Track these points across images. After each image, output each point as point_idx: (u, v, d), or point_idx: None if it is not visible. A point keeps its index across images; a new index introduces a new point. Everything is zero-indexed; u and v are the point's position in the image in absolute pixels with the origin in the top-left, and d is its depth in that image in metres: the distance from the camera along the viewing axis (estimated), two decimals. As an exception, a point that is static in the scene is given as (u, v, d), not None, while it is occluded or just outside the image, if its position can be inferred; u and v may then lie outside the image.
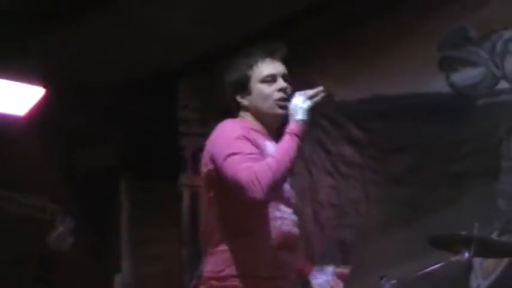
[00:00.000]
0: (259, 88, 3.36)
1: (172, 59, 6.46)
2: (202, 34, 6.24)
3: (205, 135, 5.44)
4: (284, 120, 3.39)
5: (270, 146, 3.35)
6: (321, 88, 3.36)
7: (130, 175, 6.76)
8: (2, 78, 6.00)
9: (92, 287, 6.64)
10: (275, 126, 3.47)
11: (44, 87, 6.13)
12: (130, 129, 6.62)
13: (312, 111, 3.31)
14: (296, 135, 3.26)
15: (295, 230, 3.46)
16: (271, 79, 3.38)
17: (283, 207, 3.40)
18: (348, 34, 5.80)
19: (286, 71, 3.47)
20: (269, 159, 3.26)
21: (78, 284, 6.46)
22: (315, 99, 3.31)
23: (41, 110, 6.00)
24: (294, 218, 3.49)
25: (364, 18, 5.83)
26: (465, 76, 5.68)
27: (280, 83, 3.37)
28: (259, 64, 3.40)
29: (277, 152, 3.29)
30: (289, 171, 3.32)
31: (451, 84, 5.70)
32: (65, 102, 5.96)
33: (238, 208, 3.29)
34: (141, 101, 6.46)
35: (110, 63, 6.18)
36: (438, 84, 5.79)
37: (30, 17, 5.51)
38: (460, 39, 5.69)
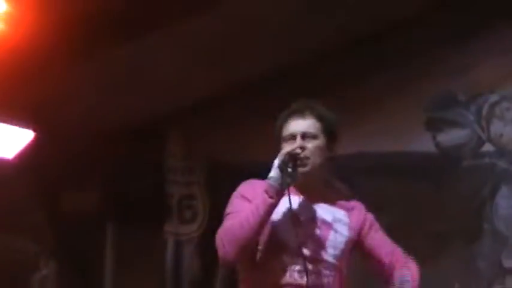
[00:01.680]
0: (282, 147, 3.20)
1: (161, 107, 6.24)
2: (188, 83, 6.13)
3: (191, 183, 5.14)
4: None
5: (283, 203, 3.12)
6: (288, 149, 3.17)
7: (115, 221, 6.30)
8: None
9: None
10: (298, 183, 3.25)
11: (34, 130, 5.58)
12: (117, 176, 6.14)
13: (281, 168, 3.07)
14: (265, 192, 3.08)
15: (299, 281, 3.18)
16: (290, 137, 3.19)
17: (286, 258, 3.16)
18: (338, 93, 5.43)
19: (310, 129, 3.26)
20: (236, 219, 3.15)
21: None
22: (281, 157, 3.09)
23: (29, 154, 5.48)
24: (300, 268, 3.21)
25: (354, 78, 5.51)
26: (451, 137, 5.44)
27: (297, 141, 3.17)
28: (285, 124, 3.21)
29: (246, 210, 3.16)
30: (256, 229, 3.13)
31: (437, 144, 5.47)
32: (52, 147, 5.46)
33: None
34: (129, 148, 6.00)
35: (98, 110, 5.93)
36: (424, 144, 5.53)
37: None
38: (447, 101, 5.45)
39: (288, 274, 3.18)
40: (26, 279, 6.01)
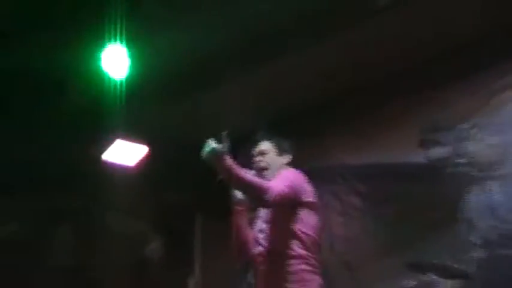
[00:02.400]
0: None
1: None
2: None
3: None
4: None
5: None
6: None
7: (202, 211, 7.85)
8: (121, 139, 6.75)
9: (173, 286, 7.61)
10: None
11: (148, 145, 6.87)
12: (205, 181, 7.83)
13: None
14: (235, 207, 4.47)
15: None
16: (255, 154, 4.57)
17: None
18: (355, 121, 7.01)
19: (262, 148, 4.55)
20: None
21: (165, 284, 7.50)
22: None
23: (144, 162, 6.84)
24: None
25: (365, 109, 6.97)
26: (437, 153, 6.77)
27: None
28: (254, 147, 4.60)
29: None
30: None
31: (427, 158, 6.81)
32: (160, 157, 6.86)
33: None
34: None
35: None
36: (418, 157, 6.86)
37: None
38: (434, 127, 6.80)
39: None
40: (140, 250, 7.55)
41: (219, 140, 4.12)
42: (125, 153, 6.93)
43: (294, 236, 4.36)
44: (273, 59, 6.56)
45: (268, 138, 4.63)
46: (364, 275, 7.03)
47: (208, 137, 4.19)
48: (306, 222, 4.44)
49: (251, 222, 4.58)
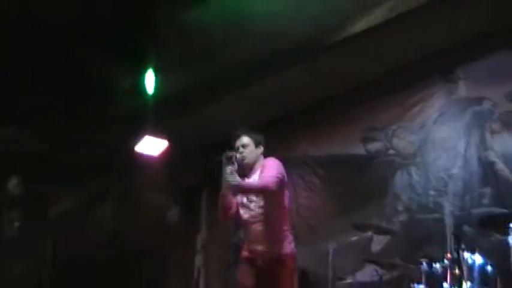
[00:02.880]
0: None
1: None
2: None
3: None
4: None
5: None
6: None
7: (207, 189, 8.98)
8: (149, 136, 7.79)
9: (187, 238, 8.91)
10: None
11: (168, 141, 7.95)
12: (209, 166, 7.83)
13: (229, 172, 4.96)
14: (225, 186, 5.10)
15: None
16: (237, 148, 5.25)
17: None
18: (315, 124, 8.38)
19: (243, 142, 5.21)
20: None
21: (180, 239, 8.88)
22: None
23: (165, 153, 7.94)
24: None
25: (322, 116, 8.33)
26: (373, 146, 8.17)
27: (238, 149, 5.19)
28: (235, 140, 5.32)
29: None
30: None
31: (366, 150, 8.19)
32: (178, 150, 7.99)
33: None
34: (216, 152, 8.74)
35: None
36: (360, 150, 8.22)
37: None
38: (371, 128, 8.16)
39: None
40: (163, 217, 8.78)
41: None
42: (152, 146, 8.08)
43: (282, 207, 5.17)
44: (260, 81, 7.87)
45: (247, 133, 5.32)
46: (322, 233, 7.97)
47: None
48: (286, 196, 5.25)
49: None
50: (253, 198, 5.12)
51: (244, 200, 5.18)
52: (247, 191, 5.08)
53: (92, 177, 8.22)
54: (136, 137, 7.93)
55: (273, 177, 5.00)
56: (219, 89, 7.94)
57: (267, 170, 5.09)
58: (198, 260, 8.94)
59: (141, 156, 8.08)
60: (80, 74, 7.26)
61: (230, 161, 4.96)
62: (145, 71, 7.29)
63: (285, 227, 5.17)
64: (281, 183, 5.10)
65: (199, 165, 8.78)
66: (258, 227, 5.11)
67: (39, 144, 8.07)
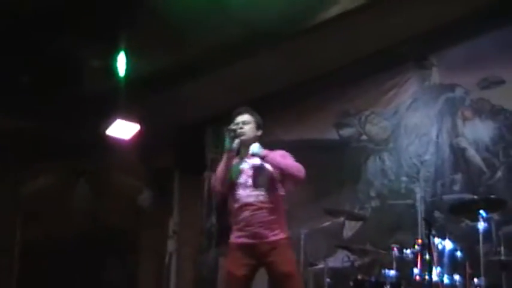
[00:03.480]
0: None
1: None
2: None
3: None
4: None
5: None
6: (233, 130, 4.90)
7: (179, 171, 9.10)
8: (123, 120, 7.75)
9: (159, 222, 8.90)
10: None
11: (140, 123, 7.92)
12: (182, 149, 8.87)
13: (230, 142, 4.88)
14: (226, 153, 4.92)
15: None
16: (237, 123, 5.06)
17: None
18: (289, 110, 8.36)
19: (245, 119, 5.04)
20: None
21: (152, 223, 8.85)
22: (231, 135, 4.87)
23: (136, 136, 7.91)
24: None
25: (296, 101, 8.33)
26: (346, 132, 8.24)
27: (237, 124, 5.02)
28: (235, 117, 5.12)
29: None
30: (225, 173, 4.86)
31: (339, 135, 8.26)
32: (149, 133, 7.93)
33: None
34: (189, 134, 8.77)
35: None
36: (333, 135, 8.27)
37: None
38: (344, 113, 8.23)
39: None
40: (135, 200, 8.72)
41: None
42: (123, 130, 8.03)
43: (283, 193, 5.15)
44: (233, 65, 7.81)
45: (250, 112, 5.16)
46: (294, 218, 6.80)
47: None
48: None
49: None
50: (262, 182, 4.98)
51: (249, 181, 4.99)
52: (279, 167, 4.99)
53: (63, 158, 8.14)
54: (108, 118, 7.82)
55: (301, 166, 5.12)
56: (192, 72, 7.84)
57: (289, 159, 5.15)
58: (170, 244, 8.96)
59: (113, 138, 7.96)
60: (51, 54, 7.15)
61: (231, 134, 4.93)
62: (117, 52, 7.18)
63: (283, 213, 5.13)
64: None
65: (172, 148, 8.86)
66: (264, 212, 4.95)
67: (10, 124, 7.97)
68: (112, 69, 7.21)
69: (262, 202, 4.93)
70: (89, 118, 7.80)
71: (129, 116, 7.96)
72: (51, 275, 7.95)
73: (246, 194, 4.96)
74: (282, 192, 5.07)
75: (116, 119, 7.92)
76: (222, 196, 5.11)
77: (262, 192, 4.94)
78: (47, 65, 7.24)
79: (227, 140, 4.92)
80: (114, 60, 7.21)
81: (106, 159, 8.34)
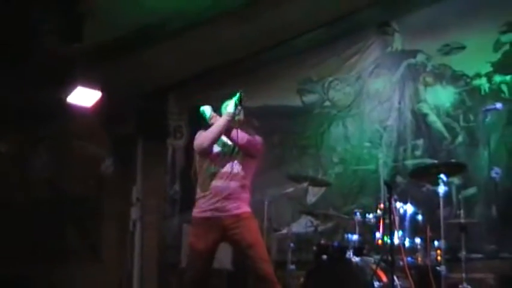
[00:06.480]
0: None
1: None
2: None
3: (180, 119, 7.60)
4: None
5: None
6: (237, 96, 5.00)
7: (143, 138, 9.09)
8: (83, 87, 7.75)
9: (122, 190, 8.87)
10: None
11: (102, 90, 7.93)
12: (144, 116, 8.86)
13: (235, 107, 4.98)
14: (227, 116, 4.97)
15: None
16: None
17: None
18: (247, 76, 8.27)
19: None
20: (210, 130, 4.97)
21: (115, 191, 8.86)
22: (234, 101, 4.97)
23: (98, 104, 7.92)
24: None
25: (260, 68, 8.39)
26: (309, 98, 8.33)
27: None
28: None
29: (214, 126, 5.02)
30: (219, 133, 4.91)
31: (302, 102, 8.35)
32: (111, 100, 7.96)
33: None
34: (151, 102, 8.86)
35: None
36: (296, 101, 8.35)
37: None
38: (308, 80, 8.30)
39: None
40: (97, 167, 8.78)
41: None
42: (84, 97, 8.02)
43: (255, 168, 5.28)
44: (194, 31, 7.73)
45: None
46: (257, 184, 6.64)
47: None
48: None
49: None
50: (238, 156, 5.08)
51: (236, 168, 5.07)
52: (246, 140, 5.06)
53: (23, 125, 8.06)
54: (69, 86, 7.78)
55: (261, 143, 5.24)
56: (154, 38, 7.79)
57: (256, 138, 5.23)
58: (134, 212, 8.90)
59: (74, 106, 7.95)
60: (8, 21, 7.00)
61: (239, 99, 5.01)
62: (76, 18, 6.99)
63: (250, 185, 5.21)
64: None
65: (134, 115, 8.82)
66: (236, 184, 5.03)
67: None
68: (71, 36, 7.00)
69: (235, 174, 5.01)
70: (49, 85, 7.72)
71: (90, 83, 7.89)
72: (10, 243, 7.86)
73: (222, 164, 5.01)
74: (254, 166, 5.17)
75: (76, 86, 7.83)
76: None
77: (238, 166, 5.03)
78: (3, 32, 7.07)
79: (234, 103, 4.98)
80: (73, 26, 6.97)
81: (67, 126, 8.30)
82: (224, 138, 5.08)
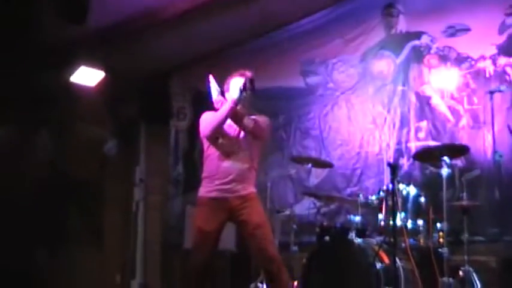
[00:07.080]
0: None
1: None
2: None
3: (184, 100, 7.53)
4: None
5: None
6: (242, 82, 4.89)
7: (145, 120, 9.14)
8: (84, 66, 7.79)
9: (125, 171, 9.00)
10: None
11: (105, 71, 7.96)
12: (147, 97, 8.92)
13: (240, 93, 4.86)
14: (231, 103, 4.88)
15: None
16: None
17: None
18: (257, 59, 8.15)
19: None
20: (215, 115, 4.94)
21: (117, 171, 8.84)
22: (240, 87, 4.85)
23: (102, 84, 7.98)
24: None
25: (264, 51, 8.36)
26: (312, 79, 8.32)
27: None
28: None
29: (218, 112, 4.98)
30: (224, 119, 4.85)
31: (305, 83, 8.32)
32: (115, 81, 8.01)
33: None
34: (154, 83, 8.87)
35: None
36: (300, 82, 8.34)
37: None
38: (310, 61, 8.30)
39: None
40: (100, 148, 8.66)
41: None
42: (88, 77, 8.05)
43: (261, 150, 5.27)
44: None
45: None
46: (260, 165, 6.79)
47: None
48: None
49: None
50: (245, 137, 5.06)
51: (240, 134, 5.07)
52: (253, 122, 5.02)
53: (24, 107, 7.78)
54: (72, 65, 7.77)
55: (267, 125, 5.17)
56: (158, 19, 7.63)
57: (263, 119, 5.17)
58: (137, 193, 8.99)
59: (77, 87, 7.94)
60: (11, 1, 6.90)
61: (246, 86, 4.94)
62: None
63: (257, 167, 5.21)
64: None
65: (138, 97, 8.84)
66: (243, 165, 5.02)
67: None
68: (75, 17, 6.84)
69: (243, 158, 4.99)
70: (52, 65, 7.62)
71: (93, 63, 7.86)
72: (11, 226, 7.88)
73: (229, 144, 5.00)
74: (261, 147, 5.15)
75: (79, 66, 7.83)
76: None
77: (246, 146, 5.02)
78: (5, 12, 6.88)
79: (240, 89, 4.91)
80: (77, 7, 6.79)
81: (70, 108, 8.15)
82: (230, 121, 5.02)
